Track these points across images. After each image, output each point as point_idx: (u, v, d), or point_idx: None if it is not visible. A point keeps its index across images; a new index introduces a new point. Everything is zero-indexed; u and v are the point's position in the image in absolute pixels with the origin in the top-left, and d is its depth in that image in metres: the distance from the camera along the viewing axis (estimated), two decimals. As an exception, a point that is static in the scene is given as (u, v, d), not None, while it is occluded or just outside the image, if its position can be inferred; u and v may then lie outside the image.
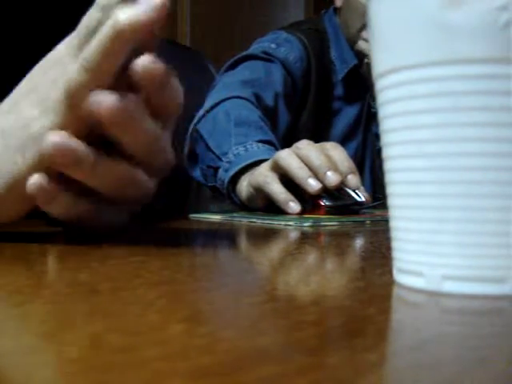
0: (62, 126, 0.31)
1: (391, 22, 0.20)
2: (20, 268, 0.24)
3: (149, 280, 0.21)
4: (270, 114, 0.88)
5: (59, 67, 0.33)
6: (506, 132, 0.18)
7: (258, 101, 0.86)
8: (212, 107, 0.82)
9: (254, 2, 2.34)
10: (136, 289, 0.20)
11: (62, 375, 0.11)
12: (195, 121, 0.82)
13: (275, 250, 0.34)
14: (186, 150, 0.83)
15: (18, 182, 0.32)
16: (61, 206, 0.32)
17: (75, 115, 0.31)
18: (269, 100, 0.90)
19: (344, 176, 0.60)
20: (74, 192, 0.33)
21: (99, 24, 0.31)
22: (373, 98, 1.09)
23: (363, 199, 0.62)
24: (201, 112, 0.83)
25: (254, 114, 0.80)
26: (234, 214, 0.60)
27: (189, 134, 0.83)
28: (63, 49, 0.33)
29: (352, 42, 1.02)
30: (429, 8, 0.19)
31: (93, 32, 0.31)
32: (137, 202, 0.36)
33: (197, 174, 0.84)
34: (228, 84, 0.88)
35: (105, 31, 0.30)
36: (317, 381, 0.11)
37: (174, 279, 0.22)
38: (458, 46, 0.18)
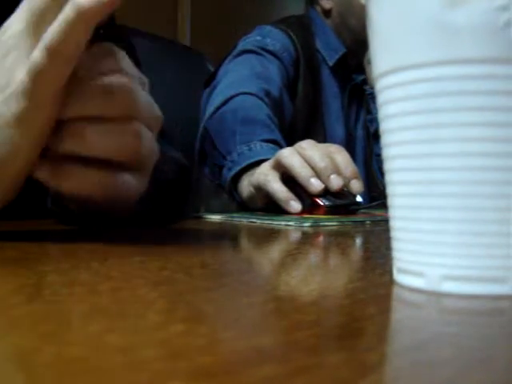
0: (29, 112, 0.31)
1: (391, 21, 0.20)
2: (20, 268, 0.24)
3: (149, 280, 0.21)
4: (277, 107, 0.89)
5: (17, 51, 0.32)
6: (506, 132, 0.18)
7: (267, 95, 0.86)
8: (222, 104, 0.82)
9: (253, 1, 2.34)
10: (136, 289, 0.20)
11: (62, 375, 0.11)
12: (206, 118, 0.83)
13: (275, 249, 0.34)
14: (196, 147, 0.84)
15: None
16: (72, 180, 0.32)
17: (43, 102, 0.31)
18: (275, 92, 0.91)
19: (348, 180, 0.61)
20: (82, 164, 0.32)
21: (54, 2, 0.30)
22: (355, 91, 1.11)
23: (361, 199, 0.62)
24: (211, 109, 0.83)
25: (261, 113, 0.80)
26: (234, 214, 0.60)
27: (200, 131, 0.83)
28: (16, 29, 0.32)
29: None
30: (429, 8, 0.19)
31: (48, 11, 0.30)
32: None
33: (206, 171, 0.85)
34: (233, 81, 0.88)
35: (66, 13, 0.29)
36: (317, 381, 0.11)
37: (174, 279, 0.22)
38: (458, 46, 0.18)
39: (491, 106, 0.18)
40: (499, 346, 0.14)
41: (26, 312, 0.16)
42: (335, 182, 0.59)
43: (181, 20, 2.10)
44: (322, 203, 0.59)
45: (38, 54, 0.30)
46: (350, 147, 1.06)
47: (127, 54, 0.35)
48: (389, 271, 0.22)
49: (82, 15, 0.29)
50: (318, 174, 0.59)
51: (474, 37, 0.18)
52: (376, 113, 1.03)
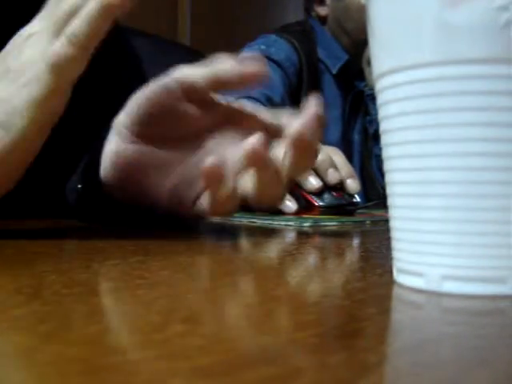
0: (46, 99, 0.33)
1: (391, 21, 0.20)
2: (20, 268, 0.24)
3: (149, 280, 0.21)
4: None
5: (37, 45, 0.33)
6: (506, 132, 0.18)
7: (268, 101, 0.87)
8: None
9: (253, 2, 2.34)
10: (136, 289, 0.20)
11: (62, 375, 0.11)
12: None
13: (275, 249, 0.34)
14: None
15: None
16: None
17: (59, 89, 0.33)
18: (277, 99, 0.92)
19: (344, 180, 0.61)
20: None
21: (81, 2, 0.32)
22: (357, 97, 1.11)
23: (358, 200, 0.62)
24: None
25: None
26: (234, 214, 0.60)
27: None
28: (38, 28, 0.34)
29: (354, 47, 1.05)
30: (429, 8, 0.19)
31: (73, 11, 0.32)
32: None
33: None
34: None
35: (91, 7, 0.31)
36: (317, 381, 0.11)
37: (174, 279, 0.22)
38: (458, 46, 0.18)
39: (491, 106, 0.18)
40: (499, 345, 0.14)
41: (26, 312, 0.16)
42: (333, 176, 0.59)
43: (181, 20, 2.10)
44: (316, 203, 0.59)
45: (58, 44, 0.32)
46: (346, 152, 1.07)
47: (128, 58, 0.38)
48: (389, 271, 0.22)
49: (107, 8, 0.31)
50: (316, 169, 0.60)
51: (473, 37, 0.18)
52: (375, 114, 1.03)
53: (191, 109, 0.38)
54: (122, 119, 0.39)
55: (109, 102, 0.40)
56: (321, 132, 0.34)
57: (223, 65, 0.36)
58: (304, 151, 0.33)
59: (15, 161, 0.35)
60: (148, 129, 0.39)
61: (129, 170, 0.39)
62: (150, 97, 0.37)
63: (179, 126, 0.39)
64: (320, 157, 0.60)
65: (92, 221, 0.46)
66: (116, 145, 0.40)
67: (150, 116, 0.38)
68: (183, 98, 0.38)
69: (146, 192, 0.40)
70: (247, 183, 0.35)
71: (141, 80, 0.40)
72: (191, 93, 0.37)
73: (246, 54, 0.38)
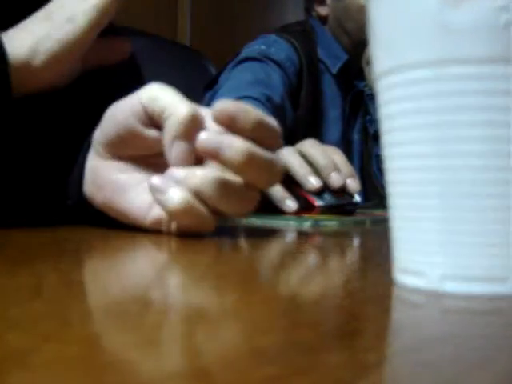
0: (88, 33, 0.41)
1: (391, 21, 0.20)
2: (20, 268, 0.24)
3: (149, 280, 0.21)
4: (279, 113, 0.90)
5: None
6: (506, 132, 0.18)
7: (268, 100, 0.87)
8: None
9: (253, 1, 2.34)
10: (135, 288, 0.20)
11: (62, 375, 0.11)
12: None
13: (275, 249, 0.34)
14: None
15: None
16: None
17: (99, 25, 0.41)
18: (277, 99, 0.92)
19: (343, 180, 0.61)
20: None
21: None
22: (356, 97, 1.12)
23: (358, 199, 0.62)
24: None
25: None
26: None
27: None
28: None
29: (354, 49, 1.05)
30: (429, 8, 0.19)
31: None
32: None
33: None
34: (235, 85, 0.89)
35: None
36: (317, 381, 0.11)
37: (174, 279, 0.22)
38: (458, 46, 0.18)
39: (491, 105, 0.18)
40: (499, 346, 0.14)
41: (26, 311, 0.16)
42: (336, 180, 0.59)
43: (181, 20, 2.10)
44: (316, 203, 0.59)
45: None
46: (346, 152, 1.07)
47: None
48: (389, 271, 0.22)
49: None
50: (319, 172, 0.60)
51: (474, 37, 0.18)
52: (375, 114, 1.04)
53: (154, 132, 0.38)
54: (98, 136, 0.40)
55: (105, 105, 0.40)
56: (278, 146, 0.36)
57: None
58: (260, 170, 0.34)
59: (73, 50, 0.41)
60: (120, 149, 0.39)
61: (105, 186, 0.40)
62: (118, 120, 0.38)
63: (149, 147, 0.39)
64: (322, 161, 0.60)
65: (89, 222, 0.46)
66: (93, 162, 0.40)
67: (119, 138, 0.38)
68: (147, 121, 0.37)
69: (123, 209, 0.40)
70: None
71: (138, 83, 0.40)
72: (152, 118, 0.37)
73: None
